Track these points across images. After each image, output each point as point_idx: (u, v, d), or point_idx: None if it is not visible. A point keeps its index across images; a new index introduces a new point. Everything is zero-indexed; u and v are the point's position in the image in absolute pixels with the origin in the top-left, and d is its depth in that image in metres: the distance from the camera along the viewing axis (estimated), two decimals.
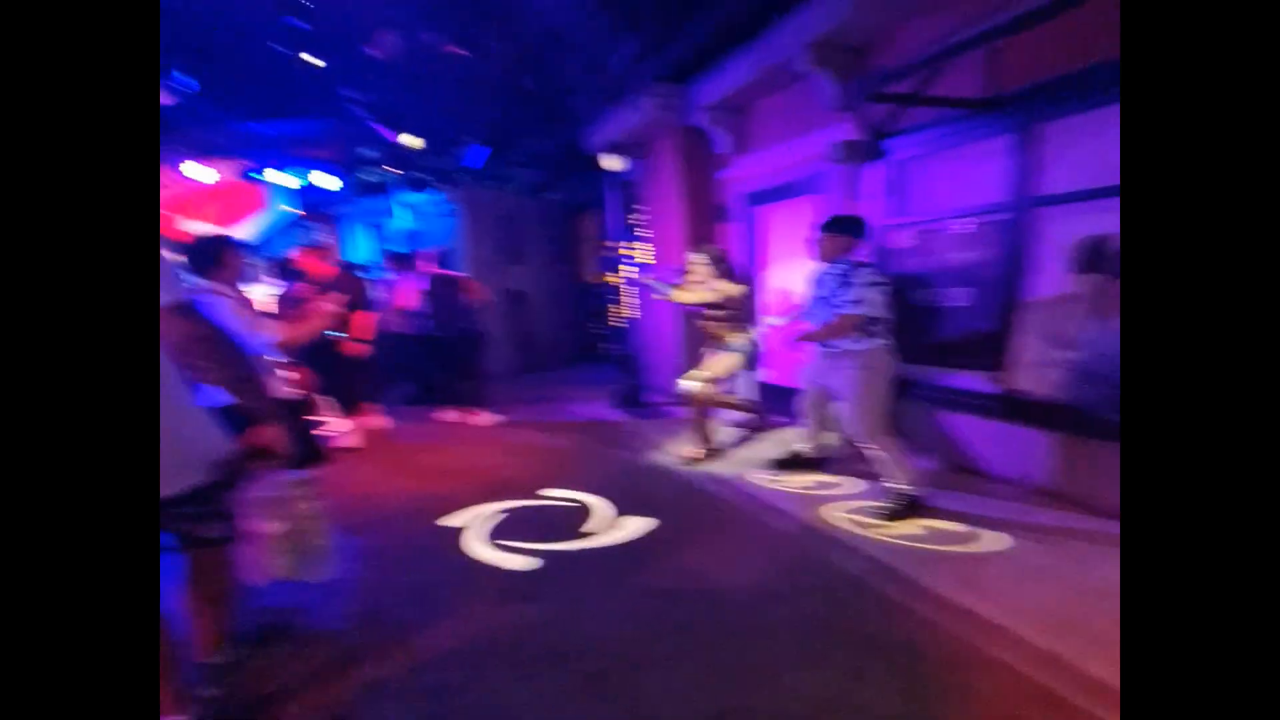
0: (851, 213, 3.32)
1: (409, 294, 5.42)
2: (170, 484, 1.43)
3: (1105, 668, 1.74)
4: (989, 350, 3.22)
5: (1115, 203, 2.62)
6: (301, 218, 8.65)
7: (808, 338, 3.03)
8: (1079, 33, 2.58)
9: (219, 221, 7.70)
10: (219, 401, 1.59)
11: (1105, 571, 2.28)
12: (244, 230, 8.00)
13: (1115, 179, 2.62)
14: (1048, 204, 2.92)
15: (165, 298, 1.33)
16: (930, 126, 3.40)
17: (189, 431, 1.53)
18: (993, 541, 2.57)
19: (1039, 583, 2.23)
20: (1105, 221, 2.67)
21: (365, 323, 4.44)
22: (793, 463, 3.53)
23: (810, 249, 3.10)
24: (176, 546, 1.59)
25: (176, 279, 1.44)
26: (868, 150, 3.66)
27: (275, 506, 1.74)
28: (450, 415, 5.33)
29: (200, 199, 7.35)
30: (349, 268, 5.79)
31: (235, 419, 1.63)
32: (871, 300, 2.79)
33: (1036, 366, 3.00)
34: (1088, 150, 2.74)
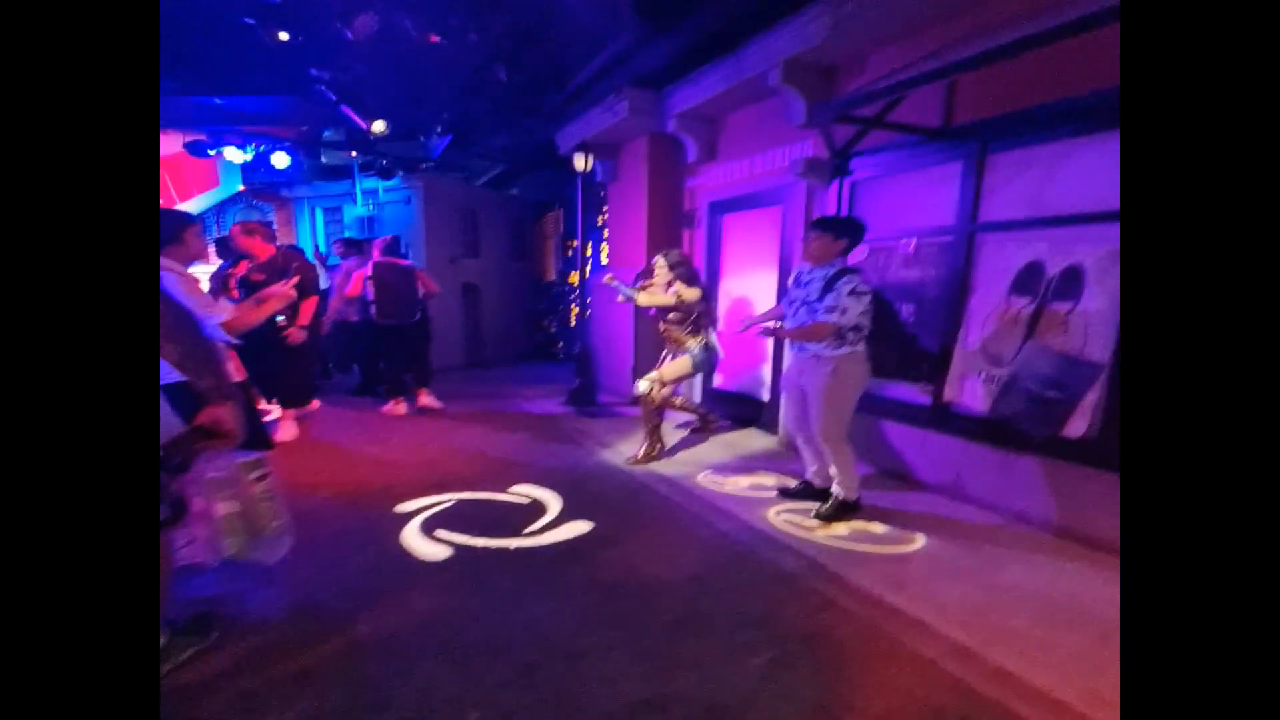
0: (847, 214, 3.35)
1: (357, 282, 5.34)
2: None
3: (1011, 659, 1.92)
4: (926, 364, 3.42)
5: (1050, 232, 2.85)
6: (249, 196, 8.36)
7: (779, 334, 3.09)
8: (1028, 73, 2.78)
9: (166, 195, 7.38)
10: (169, 379, 1.58)
11: (1015, 571, 2.49)
12: (191, 205, 7.70)
13: (1051, 210, 2.85)
14: (989, 230, 3.13)
15: None
16: (889, 149, 3.57)
17: None
18: (917, 543, 2.76)
19: (956, 581, 2.41)
20: (1039, 249, 2.88)
21: (307, 309, 4.30)
22: (803, 493, 3.30)
23: (804, 247, 3.01)
24: None
25: None
26: (830, 168, 3.81)
27: (226, 487, 1.73)
28: (395, 407, 5.24)
29: None
30: (296, 251, 5.65)
31: (185, 398, 1.62)
32: (850, 309, 2.79)
33: (968, 381, 3.20)
34: (1028, 182, 2.95)
